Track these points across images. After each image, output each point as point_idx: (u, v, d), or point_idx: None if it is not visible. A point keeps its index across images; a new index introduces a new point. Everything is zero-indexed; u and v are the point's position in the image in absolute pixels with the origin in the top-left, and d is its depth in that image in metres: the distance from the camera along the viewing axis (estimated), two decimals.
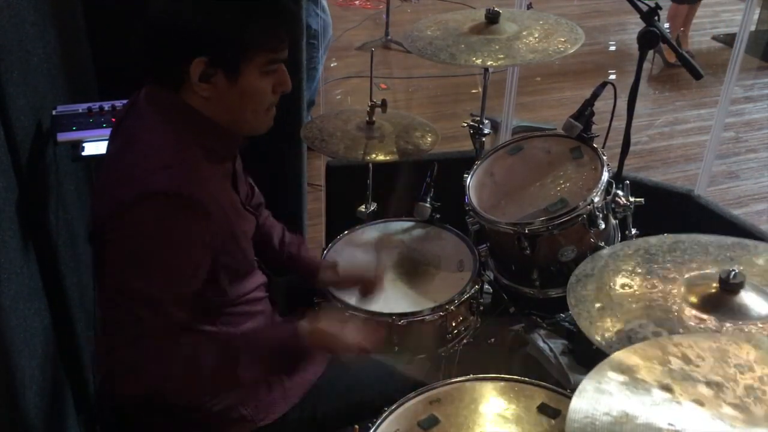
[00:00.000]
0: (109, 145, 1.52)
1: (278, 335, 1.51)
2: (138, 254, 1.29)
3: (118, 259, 1.31)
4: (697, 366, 1.01)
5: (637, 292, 1.39)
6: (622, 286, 1.42)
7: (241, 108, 1.38)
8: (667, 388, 0.96)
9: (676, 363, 1.01)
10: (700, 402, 0.94)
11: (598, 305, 1.38)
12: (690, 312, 1.31)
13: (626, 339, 1.28)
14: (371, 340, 1.54)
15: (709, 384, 0.97)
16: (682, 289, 1.37)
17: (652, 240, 1.55)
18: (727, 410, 0.93)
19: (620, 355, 1.03)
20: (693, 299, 1.34)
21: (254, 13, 1.30)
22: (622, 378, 0.98)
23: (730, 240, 1.51)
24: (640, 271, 1.45)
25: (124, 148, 1.40)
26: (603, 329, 1.32)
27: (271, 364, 1.47)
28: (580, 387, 0.98)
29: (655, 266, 1.46)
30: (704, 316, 1.29)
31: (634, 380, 0.98)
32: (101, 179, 1.43)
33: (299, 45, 2.34)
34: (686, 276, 1.41)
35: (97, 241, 1.37)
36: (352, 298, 1.88)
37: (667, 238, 1.54)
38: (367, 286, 1.83)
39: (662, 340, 1.07)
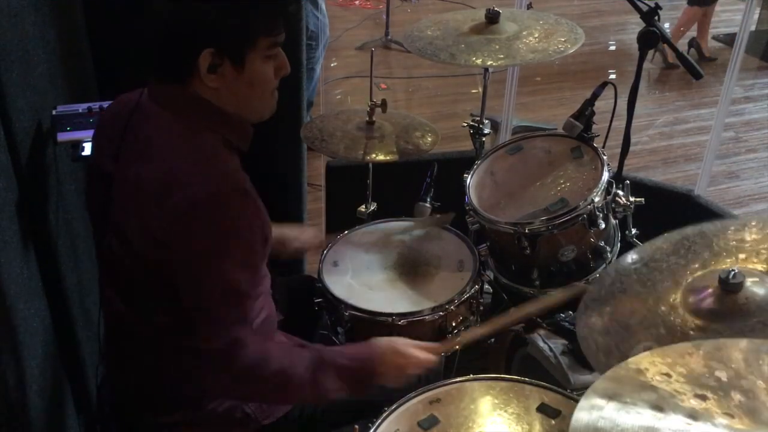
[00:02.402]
0: (94, 148, 1.51)
1: (356, 351, 1.52)
2: (214, 252, 1.30)
3: (192, 267, 1.31)
4: (679, 380, 1.00)
5: (641, 311, 1.39)
6: (629, 308, 1.41)
7: (249, 95, 1.39)
8: (657, 408, 0.95)
9: (659, 380, 1.00)
10: (693, 416, 0.93)
11: (602, 338, 1.37)
12: (693, 322, 1.31)
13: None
14: (431, 354, 1.56)
15: (697, 396, 0.96)
16: (681, 296, 1.37)
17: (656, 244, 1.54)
18: (721, 420, 0.93)
19: (602, 382, 1.02)
20: (696, 306, 1.34)
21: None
22: (612, 405, 0.97)
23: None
24: (645, 285, 1.45)
25: (145, 156, 1.36)
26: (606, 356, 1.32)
27: (347, 383, 1.47)
28: (575, 419, 0.97)
29: (658, 276, 1.45)
30: (707, 324, 1.29)
31: (624, 404, 0.97)
32: (128, 190, 1.36)
33: (299, 44, 2.34)
34: (688, 280, 1.40)
35: (150, 254, 1.32)
36: (351, 298, 1.88)
37: (669, 238, 1.54)
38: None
39: (640, 358, 1.06)
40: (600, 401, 0.97)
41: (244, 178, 1.36)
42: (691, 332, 1.30)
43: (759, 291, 1.30)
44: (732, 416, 0.92)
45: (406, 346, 1.55)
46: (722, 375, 0.99)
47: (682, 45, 5.07)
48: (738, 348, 1.04)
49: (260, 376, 1.39)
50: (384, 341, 1.54)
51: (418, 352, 1.55)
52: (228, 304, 1.34)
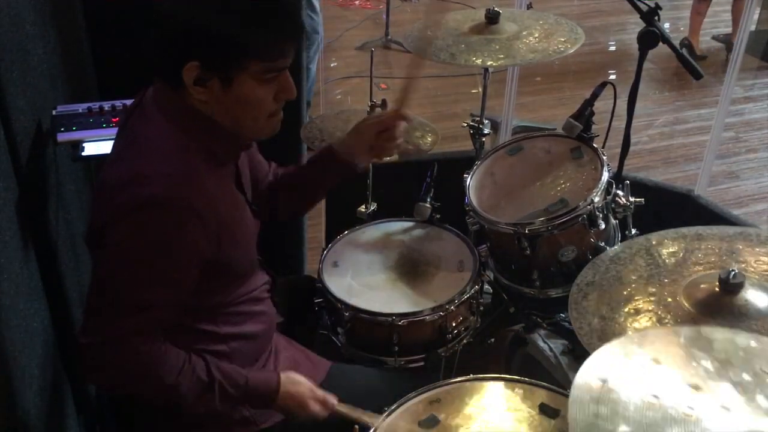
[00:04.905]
0: (114, 143, 1.52)
1: (257, 379, 1.48)
2: (131, 260, 1.30)
3: (110, 262, 1.33)
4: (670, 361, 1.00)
5: (638, 301, 1.38)
6: (624, 295, 1.41)
7: (239, 113, 1.37)
8: (654, 395, 0.96)
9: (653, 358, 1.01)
10: (688, 407, 0.94)
11: (598, 320, 1.37)
12: (692, 317, 1.30)
13: None
14: (326, 408, 1.54)
15: (689, 385, 0.97)
16: (683, 293, 1.37)
17: (653, 238, 1.54)
18: (718, 407, 0.93)
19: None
20: (694, 304, 1.33)
21: (252, 22, 1.28)
22: (615, 372, 0.98)
23: (731, 230, 1.50)
24: (642, 276, 1.44)
25: (127, 149, 1.39)
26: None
27: (236, 401, 1.47)
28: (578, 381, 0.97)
29: (656, 269, 1.45)
30: (707, 321, 1.29)
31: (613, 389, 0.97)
32: (103, 178, 1.41)
33: (299, 46, 2.34)
34: (688, 278, 1.40)
35: (94, 242, 1.37)
36: (351, 298, 1.89)
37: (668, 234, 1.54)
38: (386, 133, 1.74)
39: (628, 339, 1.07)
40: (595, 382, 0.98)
41: (201, 197, 1.32)
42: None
43: (759, 294, 1.30)
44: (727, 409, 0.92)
45: (305, 394, 1.51)
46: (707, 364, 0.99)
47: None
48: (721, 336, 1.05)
49: (150, 385, 1.37)
50: (289, 382, 1.50)
51: (313, 403, 1.52)
52: (119, 311, 1.31)
